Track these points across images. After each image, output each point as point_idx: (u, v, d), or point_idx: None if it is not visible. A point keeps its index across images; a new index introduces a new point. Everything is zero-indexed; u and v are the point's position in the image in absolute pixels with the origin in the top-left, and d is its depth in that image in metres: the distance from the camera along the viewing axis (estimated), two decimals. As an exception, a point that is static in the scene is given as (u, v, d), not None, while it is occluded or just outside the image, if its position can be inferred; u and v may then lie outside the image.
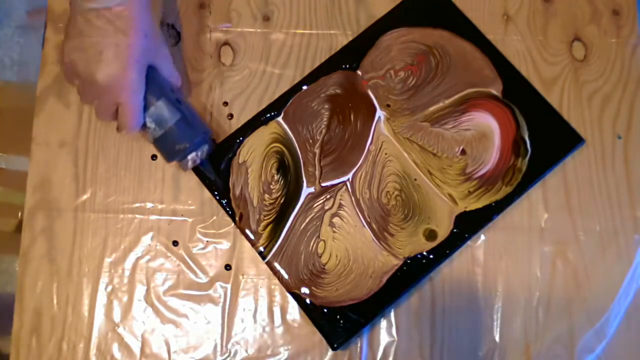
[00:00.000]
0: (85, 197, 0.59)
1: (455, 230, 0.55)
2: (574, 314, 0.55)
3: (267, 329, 0.56)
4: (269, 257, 0.56)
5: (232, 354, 0.56)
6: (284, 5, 0.63)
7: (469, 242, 0.56)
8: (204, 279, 0.57)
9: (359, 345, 0.55)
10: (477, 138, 0.58)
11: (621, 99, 0.59)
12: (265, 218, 0.57)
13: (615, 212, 0.57)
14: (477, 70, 0.59)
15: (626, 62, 0.60)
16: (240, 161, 0.58)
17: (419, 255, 0.55)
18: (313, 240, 0.56)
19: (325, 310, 0.54)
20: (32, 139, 0.61)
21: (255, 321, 0.56)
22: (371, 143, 0.58)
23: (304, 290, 0.55)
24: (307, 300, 0.55)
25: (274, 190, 0.57)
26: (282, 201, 0.57)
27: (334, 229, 0.56)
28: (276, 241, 0.56)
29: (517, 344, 0.55)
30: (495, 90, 0.59)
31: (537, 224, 0.57)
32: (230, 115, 0.61)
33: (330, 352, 0.55)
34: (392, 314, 0.56)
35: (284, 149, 0.58)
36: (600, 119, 0.59)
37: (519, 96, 0.58)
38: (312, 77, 0.60)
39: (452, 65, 0.60)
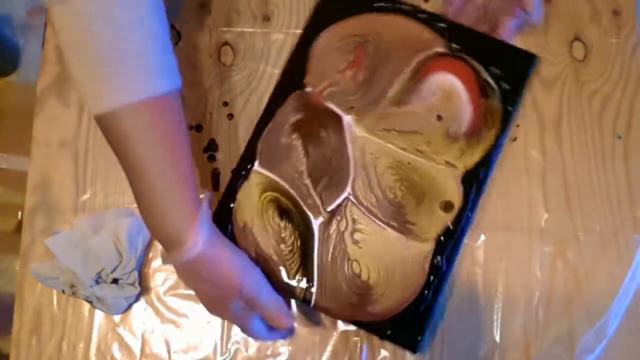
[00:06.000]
0: (85, 197, 0.59)
1: (466, 191, 0.55)
2: (574, 314, 0.55)
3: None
4: (313, 300, 0.54)
5: (232, 354, 0.56)
6: (284, 5, 0.63)
7: (469, 242, 0.56)
8: (204, 279, 0.57)
9: (358, 345, 0.55)
10: (445, 99, 0.57)
11: (621, 99, 0.59)
12: (292, 266, 0.54)
13: (615, 212, 0.57)
14: (416, 36, 0.59)
15: (626, 62, 0.60)
16: (241, 226, 0.55)
17: (446, 230, 0.55)
18: (346, 265, 0.54)
19: (389, 320, 0.53)
20: (32, 139, 0.61)
21: (255, 321, 0.56)
22: (353, 150, 0.56)
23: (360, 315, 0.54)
24: (370, 321, 0.53)
25: (286, 237, 0.55)
26: (299, 243, 0.55)
27: (359, 244, 0.55)
28: (312, 283, 0.54)
29: (517, 344, 0.55)
30: (440, 47, 0.58)
31: (537, 224, 0.57)
32: (230, 116, 0.61)
33: (330, 352, 0.55)
34: (392, 314, 0.56)
35: (276, 194, 0.56)
36: (600, 119, 0.59)
37: (464, 44, 0.58)
38: (268, 113, 0.58)
39: (391, 43, 0.59)
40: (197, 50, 0.62)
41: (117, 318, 0.57)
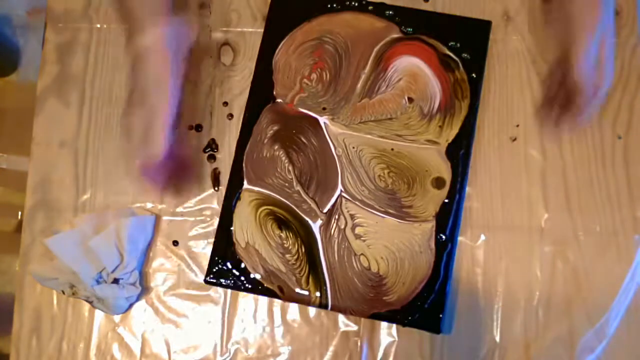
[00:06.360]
0: (85, 197, 0.59)
1: (453, 164, 0.56)
2: (574, 314, 0.55)
3: (267, 329, 0.56)
4: (330, 304, 0.54)
5: (232, 354, 0.56)
6: (284, 5, 0.63)
7: (469, 242, 0.56)
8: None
9: (359, 344, 0.55)
10: (412, 81, 0.58)
11: (621, 99, 0.59)
12: (301, 274, 0.55)
13: (615, 212, 0.57)
14: (369, 28, 0.60)
15: (626, 62, 0.60)
16: (243, 246, 0.56)
17: (443, 205, 0.55)
18: (354, 260, 0.55)
19: (408, 306, 0.54)
20: (32, 139, 0.61)
21: (255, 321, 0.56)
22: (335, 148, 0.57)
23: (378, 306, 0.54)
24: (388, 312, 0.54)
25: (290, 247, 0.55)
26: (303, 250, 0.55)
27: (362, 238, 0.55)
28: (325, 286, 0.54)
29: (517, 344, 0.55)
30: (395, 33, 0.60)
31: (537, 224, 0.57)
32: (230, 115, 0.61)
33: (330, 352, 0.55)
34: (392, 314, 0.56)
35: (271, 207, 0.56)
36: (600, 119, 0.59)
37: (416, 25, 0.60)
38: (245, 131, 0.59)
39: (347, 39, 0.60)
40: (197, 50, 0.62)
41: (117, 318, 0.57)
